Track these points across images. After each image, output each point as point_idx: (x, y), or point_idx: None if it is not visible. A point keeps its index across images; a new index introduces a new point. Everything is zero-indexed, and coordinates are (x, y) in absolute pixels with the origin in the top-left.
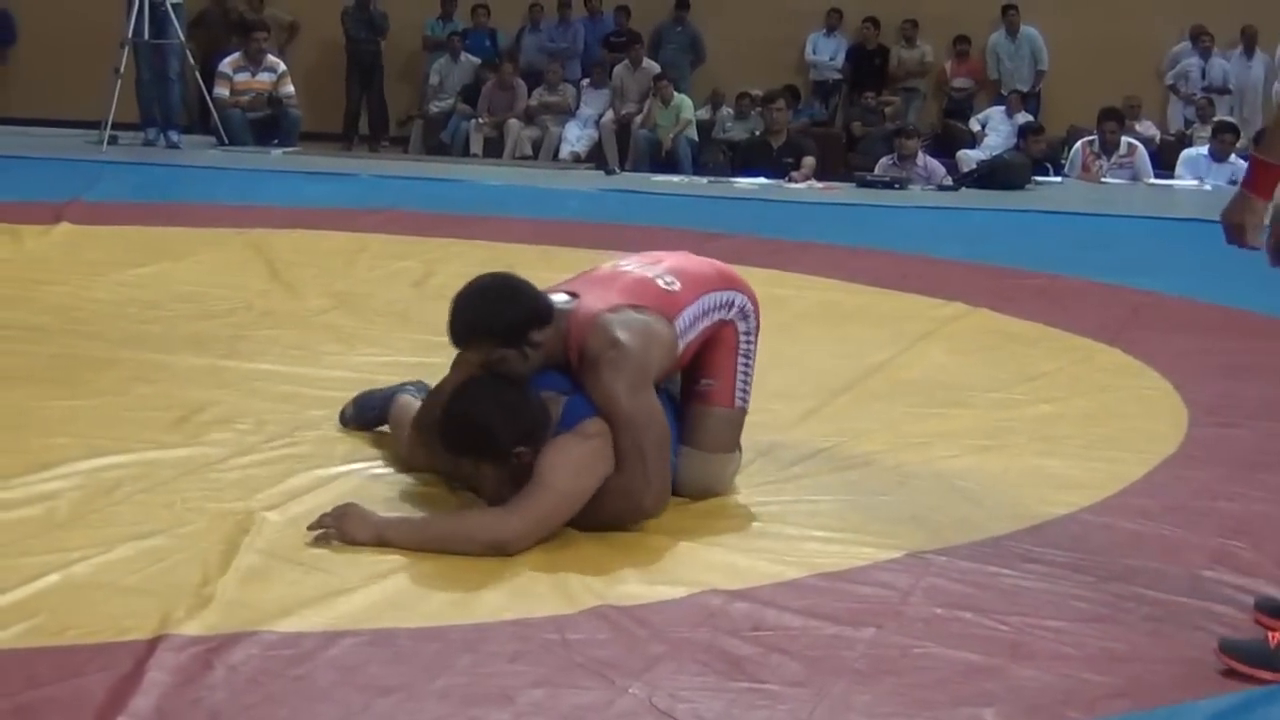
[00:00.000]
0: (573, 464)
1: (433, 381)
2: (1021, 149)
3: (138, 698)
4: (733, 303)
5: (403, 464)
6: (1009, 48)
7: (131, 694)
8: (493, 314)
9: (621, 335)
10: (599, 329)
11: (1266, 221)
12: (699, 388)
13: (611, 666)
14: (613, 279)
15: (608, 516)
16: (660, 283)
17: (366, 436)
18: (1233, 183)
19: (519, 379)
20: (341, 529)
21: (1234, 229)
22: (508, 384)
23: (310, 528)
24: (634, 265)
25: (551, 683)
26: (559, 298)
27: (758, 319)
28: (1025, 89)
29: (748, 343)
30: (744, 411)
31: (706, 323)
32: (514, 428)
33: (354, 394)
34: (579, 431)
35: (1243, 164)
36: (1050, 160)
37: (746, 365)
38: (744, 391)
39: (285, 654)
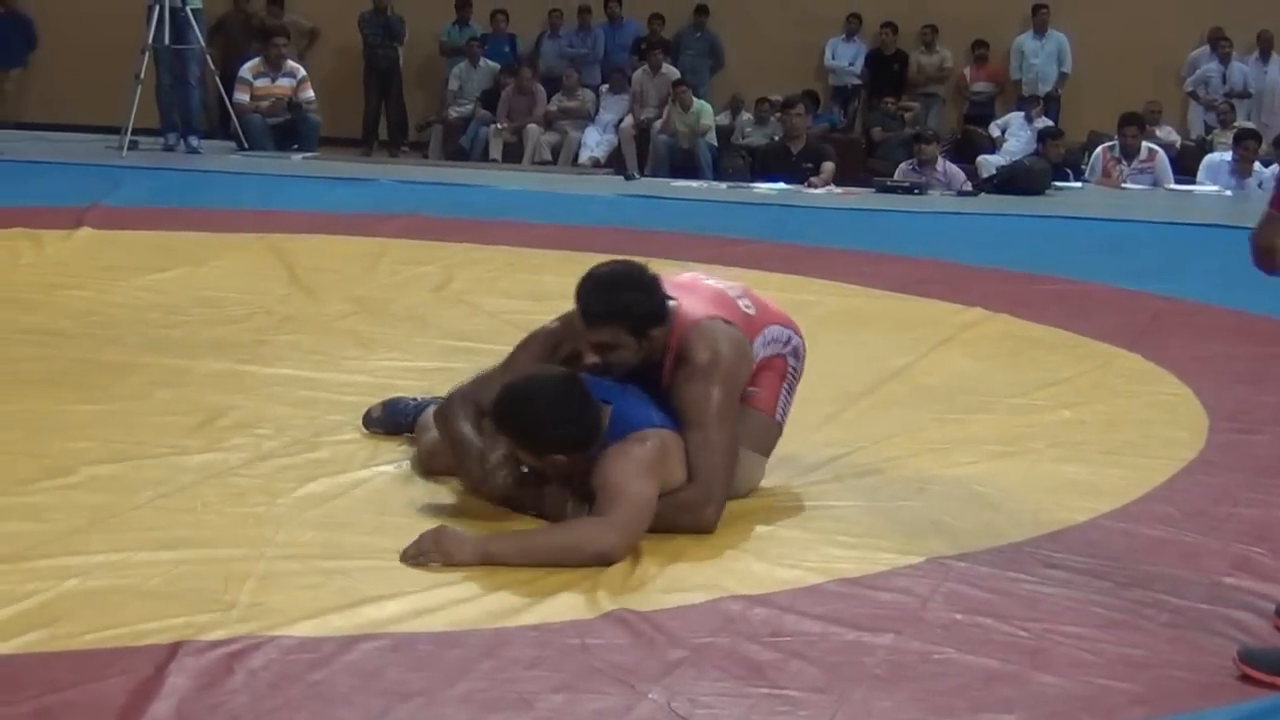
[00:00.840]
0: (644, 472)
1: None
2: (1041, 154)
3: (158, 702)
4: (789, 340)
5: (422, 468)
6: (1035, 46)
7: (152, 698)
8: (633, 302)
9: (723, 346)
10: (702, 335)
11: None
12: (744, 393)
13: (631, 672)
14: (695, 287)
15: (665, 526)
16: (740, 304)
17: (387, 441)
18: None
19: (617, 369)
20: (443, 551)
21: (1263, 252)
22: (580, 388)
23: (405, 556)
24: (711, 279)
25: (571, 688)
26: None
27: (803, 362)
28: (1048, 90)
29: (794, 376)
30: (780, 428)
31: (766, 353)
32: (565, 433)
33: (374, 399)
34: (637, 439)
35: (1265, 172)
36: (1070, 166)
37: (789, 393)
38: (783, 412)
39: (305, 658)
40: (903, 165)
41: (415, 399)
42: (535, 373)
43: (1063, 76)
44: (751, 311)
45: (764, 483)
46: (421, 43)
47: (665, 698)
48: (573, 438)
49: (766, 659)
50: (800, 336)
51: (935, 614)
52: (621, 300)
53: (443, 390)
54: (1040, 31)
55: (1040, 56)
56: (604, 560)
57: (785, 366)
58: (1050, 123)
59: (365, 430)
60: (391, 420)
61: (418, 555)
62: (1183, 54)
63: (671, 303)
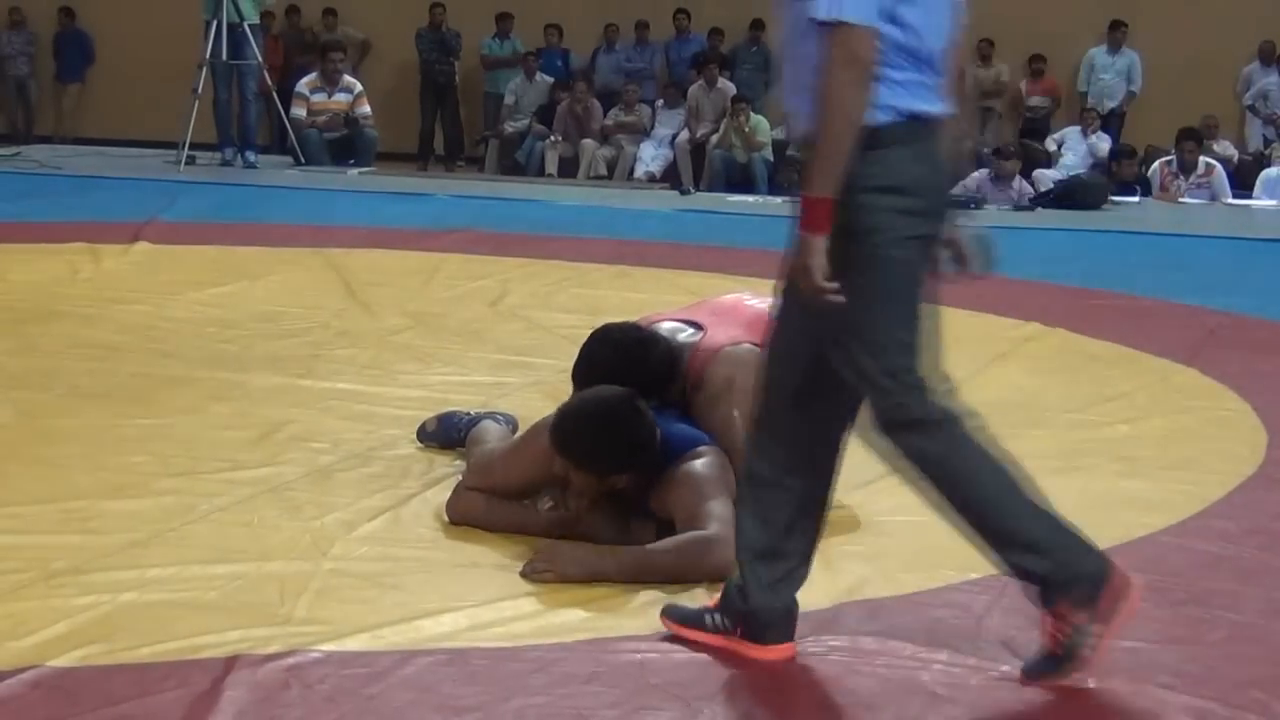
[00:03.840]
0: (721, 486)
1: (514, 407)
2: (1113, 173)
3: (215, 716)
4: None
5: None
6: (1107, 62)
7: (208, 712)
8: (607, 450)
9: (738, 371)
10: (720, 363)
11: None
12: None
13: (686, 688)
14: (735, 310)
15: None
16: None
17: (441, 455)
18: None
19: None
20: (557, 570)
21: (801, 272)
22: (641, 407)
23: (523, 574)
24: (757, 300)
25: (627, 704)
26: (684, 332)
27: None
28: (1114, 106)
29: None
30: None
31: None
32: (631, 453)
33: (430, 413)
34: (694, 456)
35: None
36: (1140, 183)
37: None
38: None
39: (361, 672)
40: (976, 175)
41: (470, 413)
42: (595, 394)
43: (1130, 95)
44: None
45: None
46: (472, 57)
47: (721, 714)
48: (638, 458)
49: (821, 674)
50: None
51: (992, 629)
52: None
53: (499, 405)
54: (1115, 48)
55: (1110, 73)
56: (722, 574)
57: None
58: (1109, 139)
59: (420, 444)
60: (446, 435)
61: (532, 572)
62: (1239, 67)
63: (690, 335)
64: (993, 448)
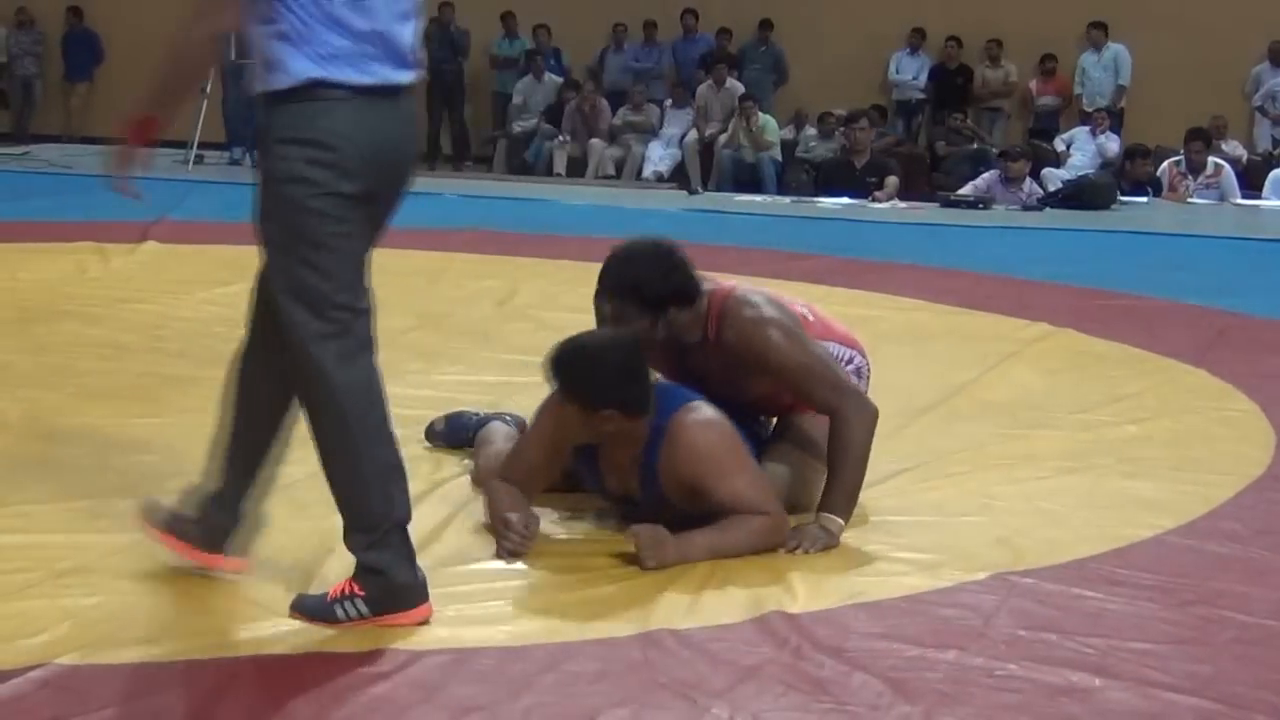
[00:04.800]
0: (745, 454)
1: (521, 407)
2: (1125, 173)
3: (221, 715)
4: (852, 360)
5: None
6: (1093, 61)
7: (215, 711)
8: (645, 279)
9: (756, 298)
10: (736, 298)
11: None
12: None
13: (694, 686)
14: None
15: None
16: (797, 304)
17: (449, 456)
18: None
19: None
20: (656, 552)
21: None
22: (640, 352)
23: (643, 560)
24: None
25: (635, 702)
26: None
27: (867, 382)
28: (1105, 103)
29: None
30: None
31: None
32: (619, 390)
33: (437, 412)
34: (698, 417)
35: None
36: (1151, 184)
37: None
38: None
39: (368, 672)
40: (986, 176)
41: (478, 413)
42: (591, 331)
43: (1120, 90)
44: (810, 318)
45: None
46: (478, 56)
47: (729, 713)
48: (625, 397)
49: (829, 674)
50: (865, 357)
51: (1000, 630)
52: (631, 274)
53: (507, 405)
54: (1098, 46)
55: (1097, 70)
56: (780, 540)
57: None
58: (1117, 140)
59: (428, 444)
60: (454, 434)
61: (643, 560)
62: (1247, 67)
63: (705, 285)
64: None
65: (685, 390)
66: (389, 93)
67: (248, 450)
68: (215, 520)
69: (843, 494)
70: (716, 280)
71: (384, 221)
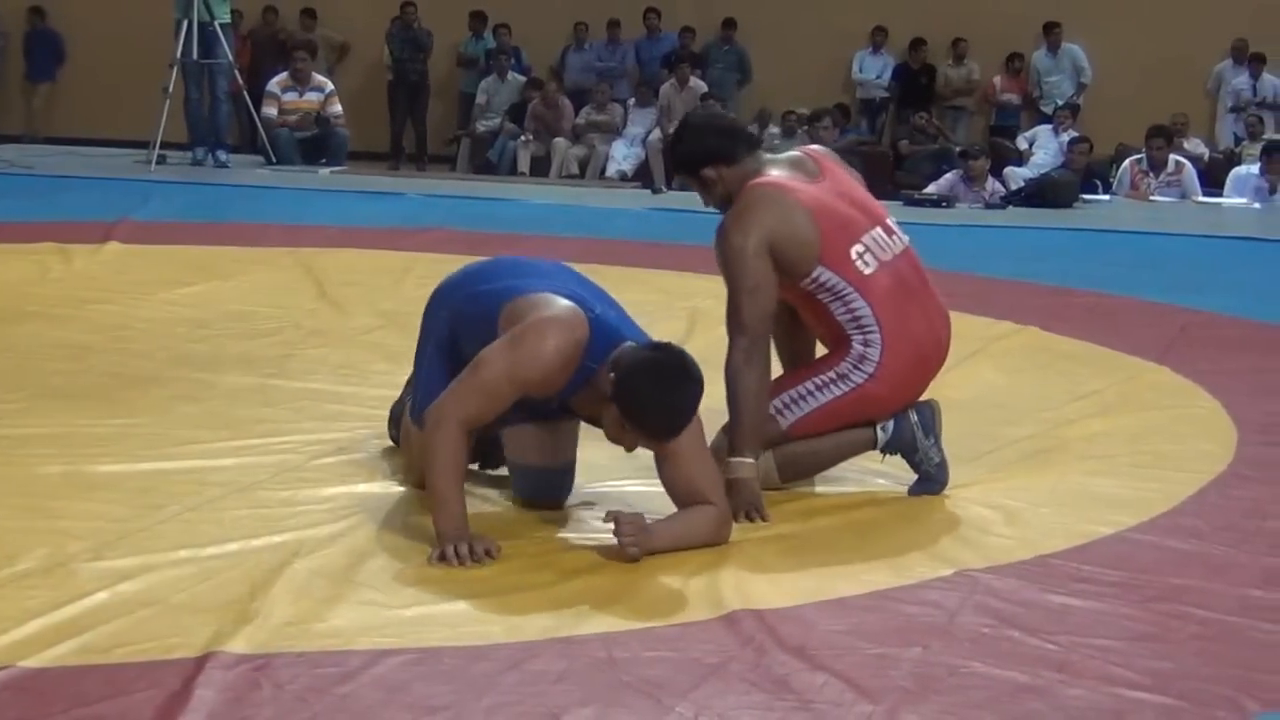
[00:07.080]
0: (706, 445)
1: None
2: (1067, 163)
3: (186, 716)
4: (858, 314)
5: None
6: (1049, 64)
7: (179, 712)
8: (682, 140)
9: (760, 202)
10: (747, 192)
11: None
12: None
13: (658, 686)
14: (836, 174)
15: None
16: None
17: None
18: None
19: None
20: (639, 539)
21: None
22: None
23: (620, 546)
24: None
25: (598, 701)
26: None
27: (878, 336)
28: (1063, 102)
29: (844, 381)
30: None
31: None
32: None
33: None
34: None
35: None
36: (1099, 177)
37: (818, 391)
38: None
39: (332, 672)
40: (948, 176)
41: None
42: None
43: (1081, 87)
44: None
45: (789, 494)
46: (442, 56)
47: (693, 712)
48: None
49: (793, 672)
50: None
51: (963, 627)
52: (679, 147)
53: None
54: (1054, 49)
55: (1055, 74)
56: (728, 534)
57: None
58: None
59: (392, 438)
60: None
61: (624, 546)
62: (1209, 65)
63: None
64: None
65: (631, 326)
66: None
67: None
68: None
69: (740, 434)
70: (780, 165)
71: None
